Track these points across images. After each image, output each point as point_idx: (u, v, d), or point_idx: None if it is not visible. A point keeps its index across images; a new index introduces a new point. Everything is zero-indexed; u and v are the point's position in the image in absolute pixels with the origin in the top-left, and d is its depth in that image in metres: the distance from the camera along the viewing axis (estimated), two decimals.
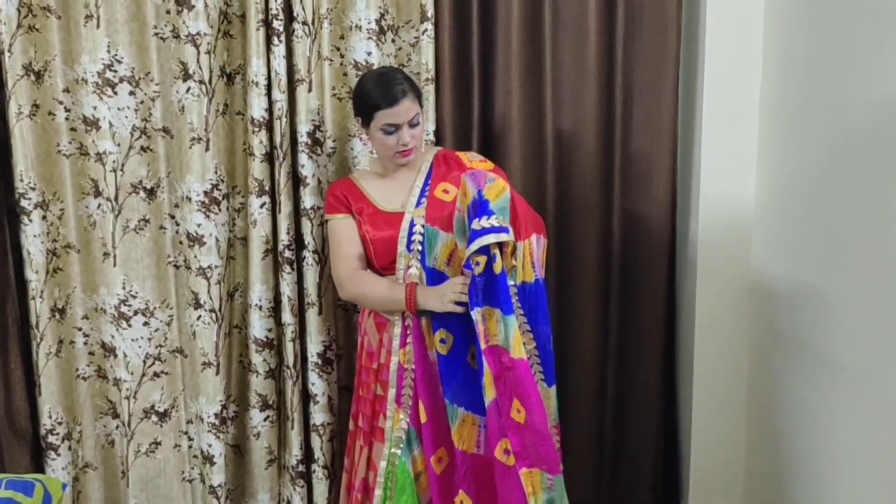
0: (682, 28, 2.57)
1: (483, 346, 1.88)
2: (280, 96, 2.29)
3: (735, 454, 2.81)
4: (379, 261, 2.10)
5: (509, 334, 1.88)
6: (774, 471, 2.65)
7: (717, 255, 2.68)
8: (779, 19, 2.51)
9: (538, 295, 2.04)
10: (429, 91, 2.36)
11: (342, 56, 2.37)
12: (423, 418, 2.02)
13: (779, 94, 2.54)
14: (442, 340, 2.00)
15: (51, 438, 2.28)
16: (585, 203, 2.62)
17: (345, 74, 2.38)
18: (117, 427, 2.41)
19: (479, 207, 1.89)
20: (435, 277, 2.01)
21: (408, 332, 2.05)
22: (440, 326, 1.99)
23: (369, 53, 2.36)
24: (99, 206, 2.31)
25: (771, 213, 2.60)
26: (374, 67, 2.35)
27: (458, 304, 1.93)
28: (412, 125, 2.05)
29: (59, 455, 2.29)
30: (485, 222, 1.86)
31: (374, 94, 2.03)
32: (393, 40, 2.40)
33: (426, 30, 2.33)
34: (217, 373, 2.39)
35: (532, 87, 2.50)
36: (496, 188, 1.91)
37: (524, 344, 1.95)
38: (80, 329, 2.35)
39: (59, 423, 2.29)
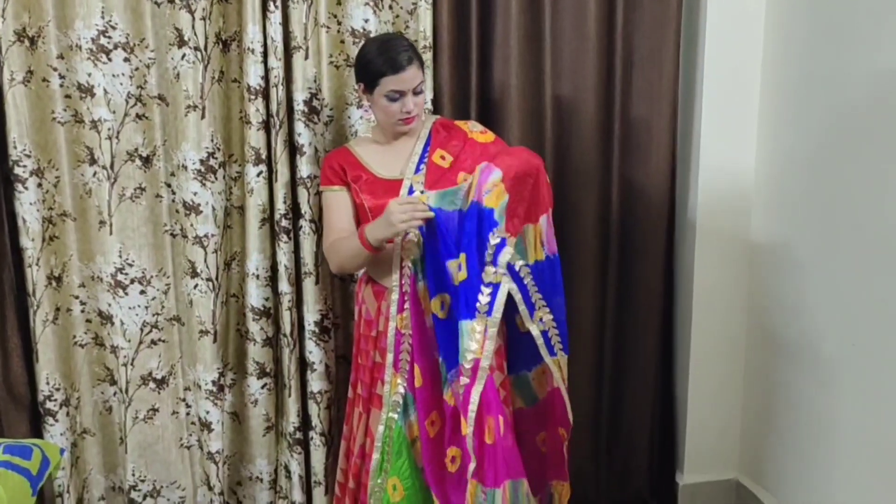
0: None
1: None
2: (276, 64, 2.26)
3: (731, 426, 2.82)
4: None
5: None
6: (769, 443, 2.67)
7: (716, 226, 2.67)
8: None
9: (553, 270, 2.05)
10: (427, 59, 2.33)
11: (339, 23, 2.34)
12: (419, 382, 2.03)
13: (781, 64, 2.51)
14: (441, 305, 2.00)
15: (49, 405, 2.29)
16: (584, 172, 2.61)
17: (342, 42, 2.36)
18: (115, 394, 2.43)
19: (485, 219, 1.88)
20: None
21: (405, 298, 2.05)
22: (437, 291, 1.99)
23: (366, 20, 2.33)
24: (94, 174, 2.30)
25: (771, 183, 2.59)
26: (374, 34, 2.33)
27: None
28: (416, 93, 2.04)
29: (57, 421, 2.30)
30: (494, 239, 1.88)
31: (378, 60, 2.01)
32: (390, 7, 2.37)
33: None
34: (214, 341, 2.39)
35: (531, 55, 2.47)
36: (495, 194, 1.87)
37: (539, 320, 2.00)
38: (76, 297, 2.35)
39: (57, 390, 2.30)
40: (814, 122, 2.37)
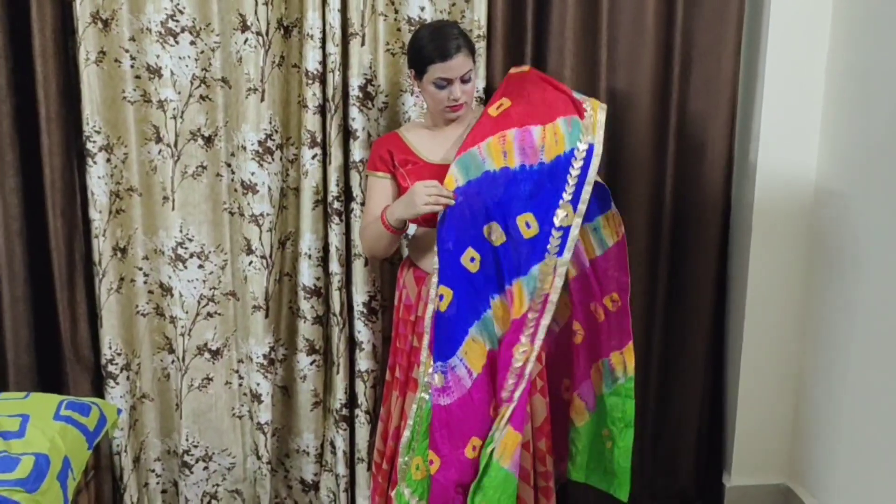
0: None
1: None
2: (334, 50, 2.33)
3: (782, 429, 2.77)
4: (421, 217, 2.13)
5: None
6: (822, 449, 2.60)
7: (772, 226, 2.62)
8: None
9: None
10: (480, 48, 2.36)
11: (396, 11, 2.40)
12: None
13: (847, 60, 2.45)
14: (472, 259, 2.03)
15: (110, 368, 2.42)
16: (638, 166, 2.59)
17: (398, 30, 2.41)
18: (172, 362, 2.55)
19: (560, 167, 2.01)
20: None
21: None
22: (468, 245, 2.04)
23: (422, 9, 2.38)
24: (160, 151, 2.42)
25: (833, 184, 2.52)
26: (427, 22, 2.37)
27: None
28: (464, 81, 2.06)
29: (117, 384, 2.43)
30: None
31: (428, 47, 2.05)
32: None
33: None
34: (266, 316, 2.48)
35: (587, 47, 2.47)
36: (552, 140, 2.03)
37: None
38: (140, 269, 2.47)
39: (119, 354, 2.43)
40: (879, 122, 2.29)
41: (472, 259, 2.03)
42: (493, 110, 2.10)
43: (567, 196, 1.99)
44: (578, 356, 2.24)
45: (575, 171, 2.00)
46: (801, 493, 2.70)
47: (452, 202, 1.99)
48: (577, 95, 2.10)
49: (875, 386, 2.32)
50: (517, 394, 2.02)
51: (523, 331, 2.03)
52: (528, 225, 2.00)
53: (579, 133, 2.01)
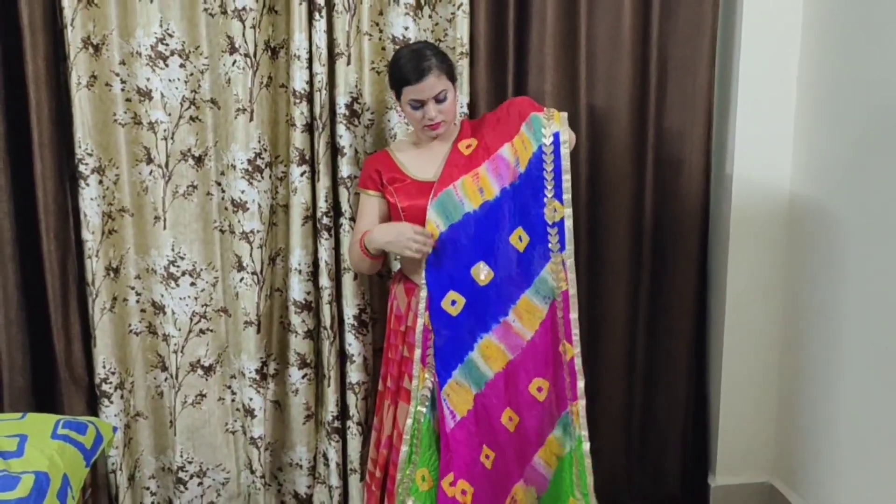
0: (719, 4, 2.58)
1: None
2: (320, 69, 2.39)
3: (764, 429, 2.84)
4: None
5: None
6: (804, 448, 2.68)
7: (750, 233, 2.70)
8: None
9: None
10: (463, 65, 2.43)
11: (381, 31, 2.46)
12: None
13: (817, 72, 2.54)
14: (453, 303, 2.09)
15: (104, 387, 2.45)
16: (618, 179, 2.67)
17: (383, 49, 2.47)
18: (166, 379, 2.58)
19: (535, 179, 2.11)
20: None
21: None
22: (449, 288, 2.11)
23: (406, 28, 2.44)
24: (151, 172, 2.46)
25: (807, 191, 2.61)
26: (411, 42, 2.44)
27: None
28: (439, 100, 2.11)
29: (111, 402, 2.46)
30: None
31: (401, 70, 2.11)
32: (430, 15, 2.48)
33: (462, 4, 2.40)
34: (258, 331, 2.53)
35: (566, 62, 2.55)
36: (520, 146, 2.13)
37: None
38: (132, 288, 2.51)
39: (113, 374, 2.46)
40: (851, 130, 2.38)
41: (454, 302, 2.09)
42: (463, 148, 2.17)
43: (549, 193, 2.07)
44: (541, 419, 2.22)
45: (549, 167, 2.08)
46: (785, 491, 2.77)
47: (429, 250, 2.07)
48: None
49: (853, 385, 2.39)
50: (579, 386, 2.15)
51: (557, 331, 2.13)
52: (520, 238, 2.08)
53: (541, 127, 2.08)
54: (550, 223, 2.07)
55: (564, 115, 2.15)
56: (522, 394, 2.13)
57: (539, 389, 2.14)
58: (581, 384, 2.17)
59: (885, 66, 2.20)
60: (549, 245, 2.10)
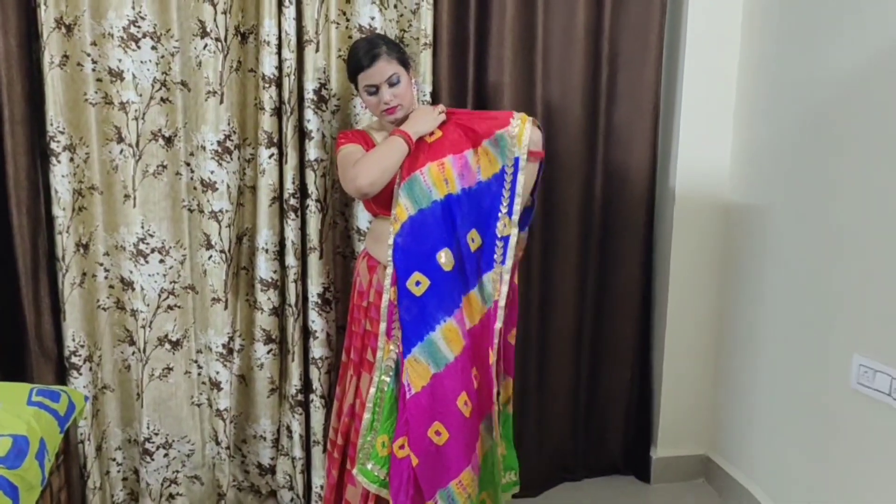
0: (666, 2, 2.75)
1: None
2: (289, 55, 2.48)
3: (702, 405, 3.02)
4: (376, 205, 2.29)
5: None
6: (737, 422, 2.87)
7: (692, 218, 2.87)
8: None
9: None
10: (426, 56, 2.55)
11: (348, 20, 2.56)
12: None
13: (755, 67, 2.72)
14: (417, 283, 2.21)
15: (73, 359, 2.51)
16: (570, 166, 2.81)
17: (350, 37, 2.57)
18: (133, 353, 2.64)
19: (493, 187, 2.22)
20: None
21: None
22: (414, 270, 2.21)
23: (373, 18, 2.55)
24: (121, 151, 2.52)
25: (744, 177, 2.79)
26: (379, 31, 2.54)
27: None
28: (391, 84, 2.22)
29: (80, 374, 2.52)
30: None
31: (355, 57, 2.22)
32: (395, 6, 2.59)
33: None
34: (225, 308, 2.61)
35: (524, 55, 2.68)
36: (486, 162, 2.23)
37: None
38: (101, 264, 2.57)
39: (82, 347, 2.52)
40: (784, 122, 2.57)
41: (418, 283, 2.19)
42: (427, 136, 2.26)
43: (504, 209, 2.20)
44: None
45: (507, 185, 2.20)
46: (721, 462, 2.96)
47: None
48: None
49: (781, 364, 2.59)
50: (494, 392, 2.25)
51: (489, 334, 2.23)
52: (472, 240, 2.20)
53: (505, 149, 2.19)
54: (500, 236, 2.20)
55: (528, 130, 2.20)
56: (471, 381, 2.22)
57: (475, 377, 2.25)
58: (495, 391, 2.24)
59: (815, 67, 2.39)
60: (495, 255, 2.21)
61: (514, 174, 2.19)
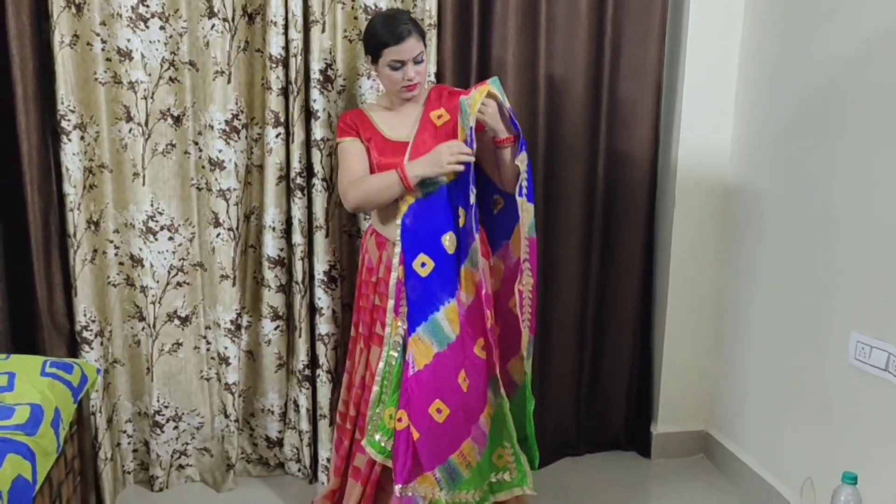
0: None
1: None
2: (296, 36, 2.51)
3: (702, 381, 3.07)
4: None
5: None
6: (736, 399, 2.91)
7: (693, 197, 2.90)
8: None
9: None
10: (431, 35, 2.58)
11: (353, 0, 2.59)
12: None
13: (756, 50, 2.74)
14: (423, 264, 2.25)
15: (85, 334, 2.56)
16: (573, 144, 2.84)
17: (355, 18, 2.60)
18: (143, 329, 2.70)
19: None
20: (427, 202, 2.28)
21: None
22: (420, 250, 2.25)
23: None
24: (130, 130, 2.56)
25: (744, 157, 2.82)
26: (383, 11, 2.57)
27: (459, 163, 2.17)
28: (416, 62, 2.26)
29: (91, 349, 2.58)
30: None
31: (382, 32, 2.24)
32: None
33: None
34: (233, 285, 2.67)
35: (527, 35, 2.71)
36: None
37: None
38: (111, 241, 2.61)
39: (93, 321, 2.57)
40: (783, 104, 2.60)
41: (423, 265, 2.25)
42: (435, 118, 2.30)
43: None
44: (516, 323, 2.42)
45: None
46: (720, 438, 3.01)
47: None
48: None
49: (780, 342, 2.63)
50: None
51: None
52: (460, 216, 2.25)
53: (466, 116, 2.20)
54: (472, 203, 2.21)
55: (485, 88, 2.19)
56: (470, 357, 2.27)
57: (483, 348, 2.29)
58: (496, 354, 2.29)
59: (815, 50, 2.42)
60: (476, 224, 2.24)
61: (469, 142, 2.20)
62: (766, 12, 2.68)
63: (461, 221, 2.24)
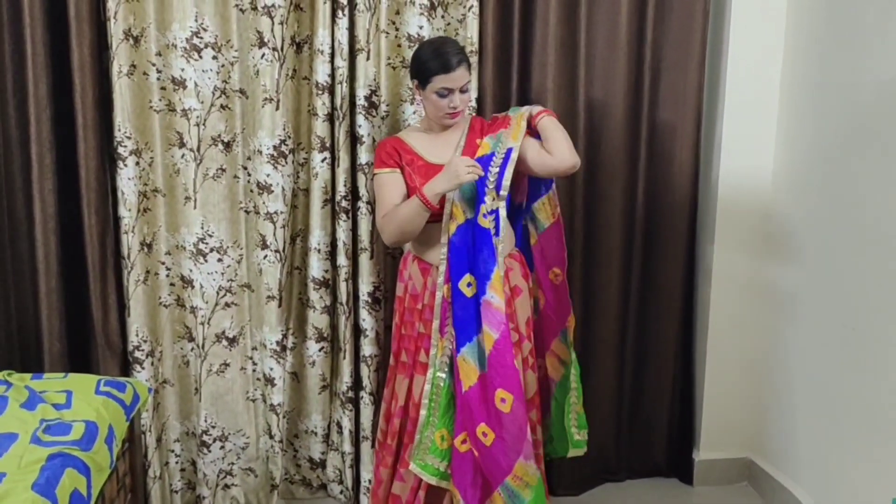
0: (709, 10, 2.79)
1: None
2: (342, 63, 2.59)
3: (745, 407, 3.03)
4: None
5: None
6: (782, 425, 2.87)
7: (735, 221, 2.90)
8: (802, 3, 2.72)
9: None
10: (473, 62, 2.63)
11: (397, 29, 2.66)
12: None
13: (799, 74, 2.75)
14: (468, 284, 2.29)
15: (137, 354, 2.63)
16: (613, 169, 2.87)
17: (398, 46, 2.67)
18: (192, 349, 2.76)
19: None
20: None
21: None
22: (467, 270, 2.30)
23: (421, 27, 2.64)
24: (183, 155, 2.65)
25: (787, 183, 2.82)
26: (428, 38, 2.64)
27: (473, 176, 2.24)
28: (463, 91, 2.32)
29: (143, 368, 2.65)
30: None
31: (433, 61, 2.29)
32: (442, 16, 2.68)
33: (472, 6, 2.61)
34: (279, 306, 2.72)
35: (567, 62, 2.75)
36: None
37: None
38: (163, 263, 2.69)
39: (145, 342, 2.64)
40: (828, 128, 2.60)
41: (469, 284, 2.29)
42: (480, 144, 2.38)
43: (491, 185, 2.27)
44: (547, 319, 2.57)
45: (495, 168, 2.28)
46: (765, 466, 2.97)
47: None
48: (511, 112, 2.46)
49: (827, 367, 2.60)
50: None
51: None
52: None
53: (500, 141, 2.33)
54: (490, 210, 2.28)
55: (524, 123, 2.37)
56: (509, 368, 2.25)
57: (524, 360, 2.37)
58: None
59: (859, 72, 2.42)
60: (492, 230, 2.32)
61: (506, 158, 2.28)
62: (808, 34, 2.68)
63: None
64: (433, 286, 2.36)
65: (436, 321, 2.34)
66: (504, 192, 2.27)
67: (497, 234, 2.27)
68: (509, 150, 2.30)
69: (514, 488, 2.24)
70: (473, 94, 2.66)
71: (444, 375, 2.33)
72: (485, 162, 2.29)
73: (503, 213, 2.29)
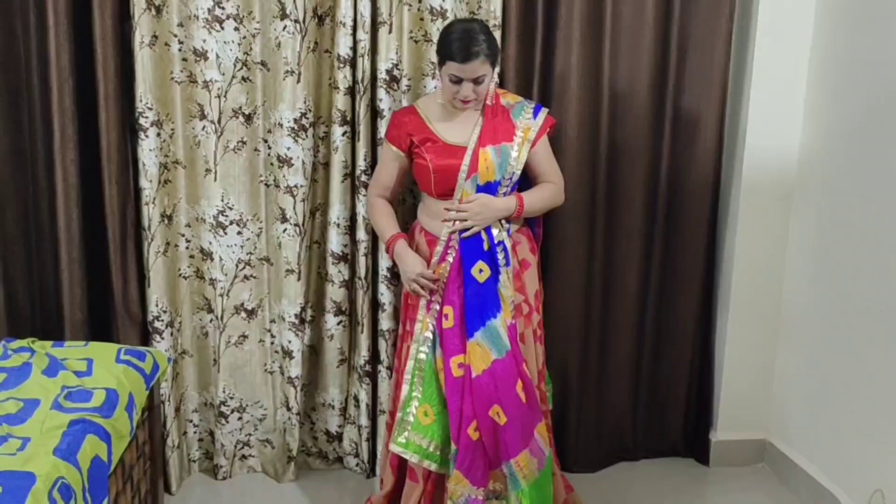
0: None
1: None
2: (363, 36, 2.57)
3: (763, 389, 3.02)
4: (438, 188, 2.37)
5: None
6: (799, 406, 2.86)
7: (758, 202, 2.87)
8: None
9: None
10: (496, 37, 2.60)
11: (420, 2, 2.63)
12: (451, 324, 2.32)
13: (827, 51, 2.70)
14: (480, 271, 2.31)
15: (156, 324, 2.66)
16: (636, 148, 2.84)
17: (421, 19, 2.64)
18: (211, 321, 2.78)
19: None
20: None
21: (448, 250, 2.36)
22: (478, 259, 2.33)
23: (444, 1, 2.61)
24: (203, 127, 2.65)
25: (813, 164, 2.78)
26: (449, 14, 2.60)
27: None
28: (476, 82, 2.27)
29: (162, 339, 2.67)
30: None
31: (452, 45, 2.25)
32: None
33: None
34: (298, 279, 2.73)
35: (592, 38, 2.71)
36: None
37: None
38: (183, 235, 2.71)
39: (164, 312, 2.66)
40: (855, 107, 2.55)
41: (481, 271, 2.32)
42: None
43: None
44: None
45: (503, 190, 2.38)
46: (782, 447, 2.95)
47: (428, 297, 2.36)
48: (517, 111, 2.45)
49: (846, 348, 2.58)
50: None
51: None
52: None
53: (506, 165, 2.36)
54: (496, 241, 2.37)
55: (533, 135, 2.43)
56: (523, 372, 2.32)
57: (533, 332, 2.44)
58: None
59: (889, 48, 2.37)
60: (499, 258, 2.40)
61: (512, 188, 2.40)
62: (837, 12, 2.63)
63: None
64: (439, 257, 2.38)
65: (423, 299, 2.37)
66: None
67: (508, 264, 2.35)
68: (515, 181, 2.41)
69: (514, 471, 2.27)
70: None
71: (426, 350, 2.34)
72: (492, 189, 2.36)
73: (509, 243, 2.38)
